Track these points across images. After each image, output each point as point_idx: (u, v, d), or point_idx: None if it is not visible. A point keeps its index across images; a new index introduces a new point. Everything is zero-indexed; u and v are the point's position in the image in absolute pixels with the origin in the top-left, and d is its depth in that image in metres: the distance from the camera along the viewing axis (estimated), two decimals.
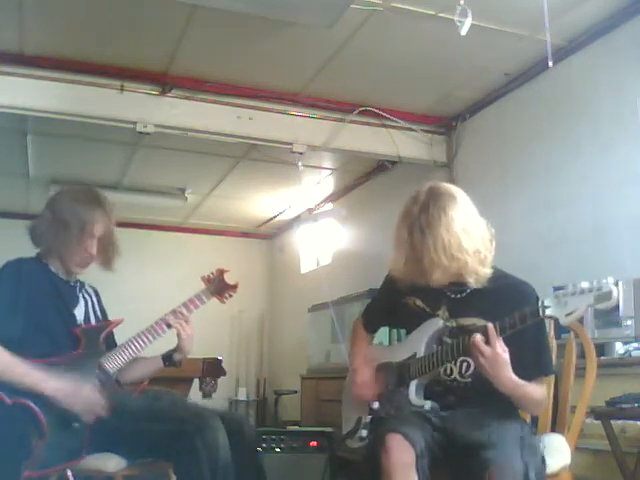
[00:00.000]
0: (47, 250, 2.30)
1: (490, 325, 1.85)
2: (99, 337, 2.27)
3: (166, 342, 2.37)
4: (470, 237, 1.98)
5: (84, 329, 2.27)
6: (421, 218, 1.99)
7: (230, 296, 2.47)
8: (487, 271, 2.01)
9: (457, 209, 2.00)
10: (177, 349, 2.37)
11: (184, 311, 2.34)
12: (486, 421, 1.85)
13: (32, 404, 1.99)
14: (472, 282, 2.02)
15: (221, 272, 2.47)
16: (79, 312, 2.33)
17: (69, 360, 2.15)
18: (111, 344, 2.33)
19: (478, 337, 1.85)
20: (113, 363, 2.22)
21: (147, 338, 2.27)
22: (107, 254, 2.37)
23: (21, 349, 2.04)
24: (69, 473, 2.03)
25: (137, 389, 2.35)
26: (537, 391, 1.95)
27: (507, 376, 1.85)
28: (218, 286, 2.44)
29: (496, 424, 1.84)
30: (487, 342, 1.84)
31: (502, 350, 1.83)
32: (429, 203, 2.00)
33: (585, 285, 1.74)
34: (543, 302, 1.80)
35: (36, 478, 1.98)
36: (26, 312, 2.14)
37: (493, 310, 1.96)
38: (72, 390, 2.07)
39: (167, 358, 2.39)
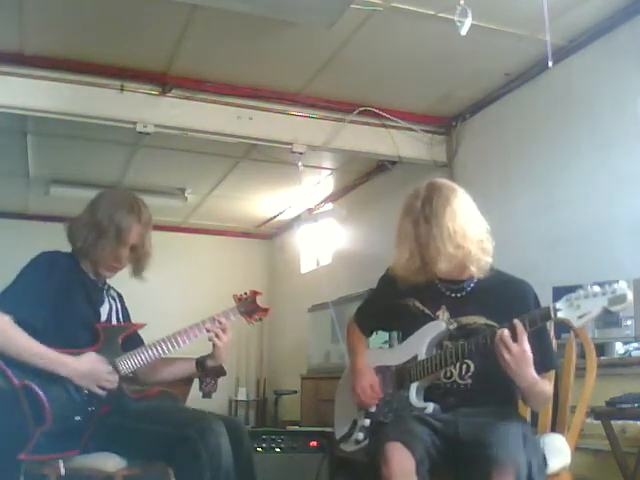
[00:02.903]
0: (80, 250, 2.30)
1: (517, 321, 1.83)
2: (118, 337, 2.27)
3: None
4: (473, 226, 2.02)
5: (104, 327, 2.27)
6: (425, 210, 2.01)
7: (260, 319, 2.42)
8: (489, 260, 2.03)
9: (459, 201, 2.04)
10: (211, 356, 2.35)
11: (222, 319, 2.31)
12: (487, 420, 1.85)
13: (38, 389, 1.99)
14: (474, 271, 2.03)
15: (254, 293, 2.42)
16: (103, 312, 2.33)
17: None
18: (135, 345, 2.29)
19: (506, 333, 1.83)
20: (126, 365, 2.20)
21: (166, 346, 2.26)
22: (140, 263, 2.36)
23: (41, 336, 2.05)
24: (61, 464, 2.02)
25: (148, 393, 2.34)
26: (547, 386, 1.97)
27: (530, 373, 1.85)
28: (249, 307, 2.40)
29: (497, 423, 1.83)
30: (514, 339, 1.82)
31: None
32: (432, 196, 2.03)
33: (597, 288, 1.73)
34: (555, 305, 1.80)
35: (28, 462, 1.98)
36: (52, 301, 2.15)
37: (494, 307, 1.97)
38: (88, 369, 2.08)
39: (200, 363, 2.36)
